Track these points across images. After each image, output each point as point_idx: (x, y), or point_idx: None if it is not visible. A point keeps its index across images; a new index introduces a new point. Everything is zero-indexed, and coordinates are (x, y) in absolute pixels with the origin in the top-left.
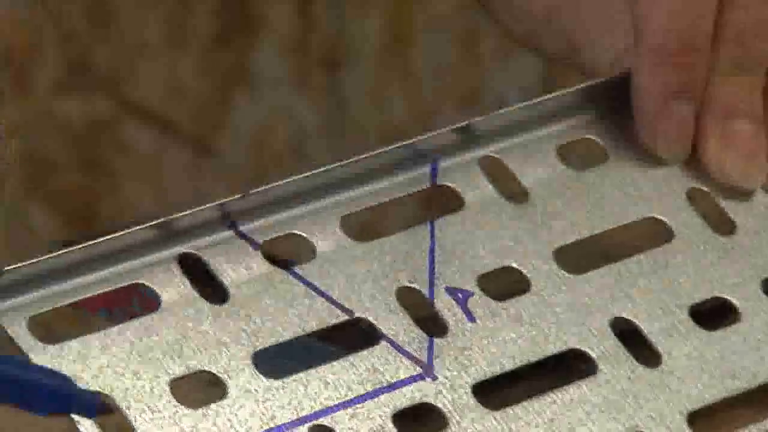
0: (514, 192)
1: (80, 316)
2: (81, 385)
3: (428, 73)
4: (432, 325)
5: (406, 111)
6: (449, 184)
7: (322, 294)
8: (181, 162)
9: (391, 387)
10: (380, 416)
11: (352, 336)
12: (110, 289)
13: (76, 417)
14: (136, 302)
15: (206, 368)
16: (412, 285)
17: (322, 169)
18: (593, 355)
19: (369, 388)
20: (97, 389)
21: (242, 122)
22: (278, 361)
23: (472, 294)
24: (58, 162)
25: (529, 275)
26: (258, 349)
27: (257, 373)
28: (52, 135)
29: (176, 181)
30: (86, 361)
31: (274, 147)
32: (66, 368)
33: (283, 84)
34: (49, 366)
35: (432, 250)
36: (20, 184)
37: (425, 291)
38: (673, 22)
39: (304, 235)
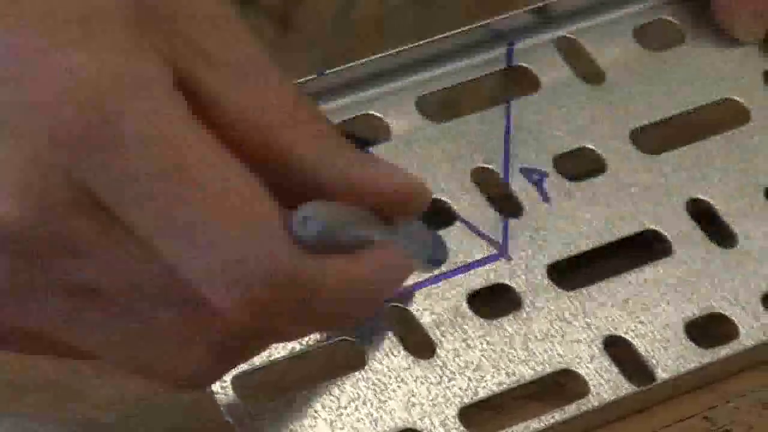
0: (590, 73)
1: None
2: None
3: None
4: (507, 205)
5: None
6: (525, 65)
7: None
8: (261, 37)
9: (466, 267)
10: (455, 296)
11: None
12: None
13: None
14: None
15: None
16: (488, 166)
17: (398, 49)
18: (668, 235)
19: (444, 268)
20: None
21: None
22: None
23: (548, 174)
24: None
25: (604, 156)
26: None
27: None
28: None
29: None
30: None
31: (357, 21)
32: None
33: None
34: None
35: (507, 131)
36: None
37: (500, 172)
38: None
39: (380, 115)
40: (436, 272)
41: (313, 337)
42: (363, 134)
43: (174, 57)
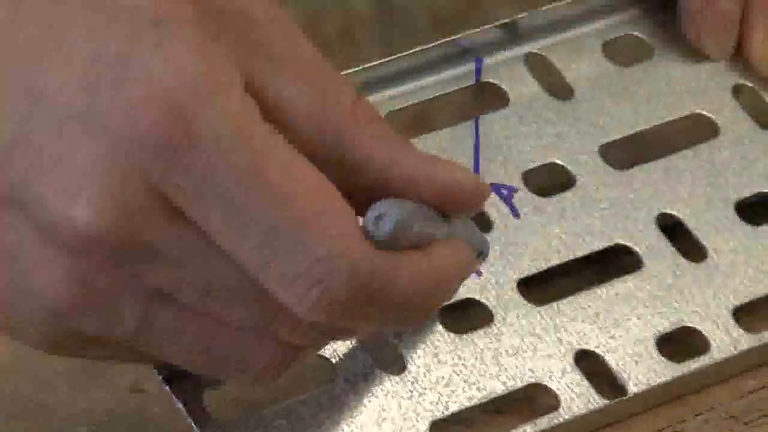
0: (559, 88)
1: None
2: None
3: None
4: (477, 220)
5: None
6: (494, 81)
7: None
8: None
9: None
10: None
11: None
12: None
13: None
14: None
15: None
16: None
17: (368, 65)
18: (638, 250)
19: None
20: None
21: (293, 8)
22: None
23: (517, 190)
24: None
25: (573, 171)
26: None
27: None
28: None
29: None
30: None
31: (323, 35)
32: None
33: None
34: None
35: (477, 147)
36: None
37: None
38: None
39: None
40: None
41: None
42: None
43: (241, 60)
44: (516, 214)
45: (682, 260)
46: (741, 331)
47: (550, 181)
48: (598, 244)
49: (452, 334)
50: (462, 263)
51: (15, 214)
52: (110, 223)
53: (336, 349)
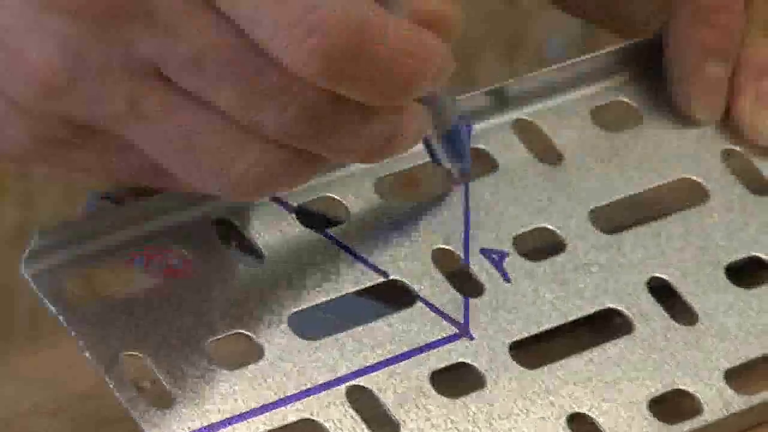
0: (548, 154)
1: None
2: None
3: (471, 19)
4: (467, 286)
5: None
6: (482, 147)
7: (356, 256)
8: None
9: (428, 347)
10: (418, 376)
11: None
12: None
13: None
14: (172, 255)
15: (242, 330)
16: (447, 247)
17: None
18: (630, 313)
19: (405, 348)
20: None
21: None
22: (318, 317)
23: (508, 254)
24: None
25: (564, 235)
26: (294, 311)
27: (294, 333)
28: None
29: None
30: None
31: None
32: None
33: None
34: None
35: (467, 212)
36: None
37: (460, 253)
38: None
39: (338, 198)
40: (398, 352)
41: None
42: (324, 212)
43: None
44: (507, 278)
45: (674, 323)
46: (733, 392)
47: (541, 245)
48: (589, 308)
49: (445, 398)
50: (444, 52)
51: None
52: None
53: (329, 416)
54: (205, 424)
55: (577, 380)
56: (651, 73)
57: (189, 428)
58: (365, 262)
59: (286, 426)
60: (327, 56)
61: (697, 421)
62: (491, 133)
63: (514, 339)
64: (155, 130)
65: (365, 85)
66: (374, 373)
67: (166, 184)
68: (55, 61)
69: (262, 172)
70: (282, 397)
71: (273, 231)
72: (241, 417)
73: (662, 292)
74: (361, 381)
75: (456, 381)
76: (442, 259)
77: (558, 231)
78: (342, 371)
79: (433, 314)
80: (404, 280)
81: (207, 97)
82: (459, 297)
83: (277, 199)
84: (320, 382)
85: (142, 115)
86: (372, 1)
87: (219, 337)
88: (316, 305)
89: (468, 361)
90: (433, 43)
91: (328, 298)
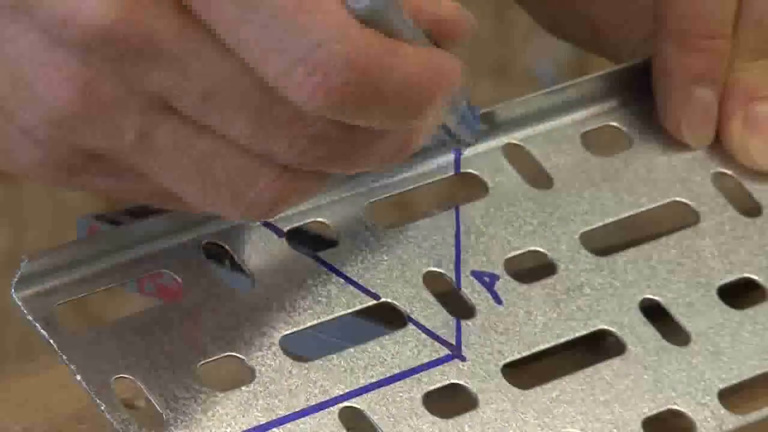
0: (539, 178)
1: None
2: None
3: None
4: (459, 308)
5: None
6: (473, 172)
7: (347, 279)
8: None
9: (421, 368)
10: (410, 397)
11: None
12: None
13: None
14: (167, 276)
15: (234, 353)
16: (439, 269)
17: None
18: (622, 334)
19: (398, 369)
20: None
21: None
22: (310, 336)
23: (499, 277)
24: None
25: (555, 258)
26: (285, 333)
27: (285, 355)
28: None
29: None
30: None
31: None
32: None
33: None
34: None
35: (458, 235)
36: None
37: (451, 276)
38: (696, 7)
39: (329, 222)
40: (391, 373)
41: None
42: (317, 232)
43: None
44: (498, 300)
45: (666, 344)
46: (726, 412)
47: (532, 268)
48: (582, 330)
49: (437, 419)
50: (453, 67)
51: (20, 20)
52: (118, 13)
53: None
54: None
55: (570, 400)
56: (641, 98)
57: None
58: (356, 284)
59: None
60: (333, 93)
61: None
62: (482, 158)
63: (507, 360)
64: (167, 160)
65: (375, 115)
66: (367, 395)
67: (179, 207)
68: (65, 94)
69: (276, 195)
70: (274, 418)
71: (264, 254)
72: None
73: (655, 313)
74: (353, 402)
75: (449, 402)
76: (433, 281)
77: (549, 254)
78: (335, 393)
79: (425, 336)
80: (395, 302)
81: (218, 130)
82: (451, 319)
83: (267, 224)
84: (312, 404)
85: (154, 147)
86: (377, 33)
87: (210, 359)
88: (308, 327)
89: (461, 382)
90: (442, 62)
91: (320, 321)
